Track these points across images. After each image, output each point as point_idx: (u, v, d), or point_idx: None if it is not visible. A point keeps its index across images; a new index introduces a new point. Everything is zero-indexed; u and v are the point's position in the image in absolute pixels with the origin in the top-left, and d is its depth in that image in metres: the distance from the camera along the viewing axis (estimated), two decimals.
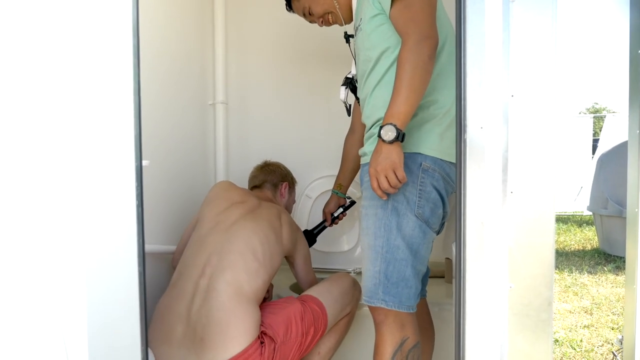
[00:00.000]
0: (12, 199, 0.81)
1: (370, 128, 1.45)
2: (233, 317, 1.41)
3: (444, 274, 2.14)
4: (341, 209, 2.00)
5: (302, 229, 1.96)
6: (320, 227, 2.05)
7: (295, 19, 2.48)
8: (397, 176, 1.25)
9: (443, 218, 1.43)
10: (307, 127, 2.51)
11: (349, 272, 2.31)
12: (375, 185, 1.28)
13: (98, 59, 0.85)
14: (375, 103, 1.40)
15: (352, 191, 2.08)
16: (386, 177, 1.25)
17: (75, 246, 0.83)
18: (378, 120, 1.40)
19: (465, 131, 0.85)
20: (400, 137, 1.23)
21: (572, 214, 7.77)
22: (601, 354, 2.54)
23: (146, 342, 0.99)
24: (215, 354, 1.37)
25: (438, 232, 1.44)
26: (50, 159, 0.83)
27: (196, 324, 1.41)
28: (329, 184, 2.33)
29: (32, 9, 0.81)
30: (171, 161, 2.01)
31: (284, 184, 2.00)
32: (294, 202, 2.11)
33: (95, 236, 0.86)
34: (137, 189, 0.96)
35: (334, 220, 2.01)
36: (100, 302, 0.87)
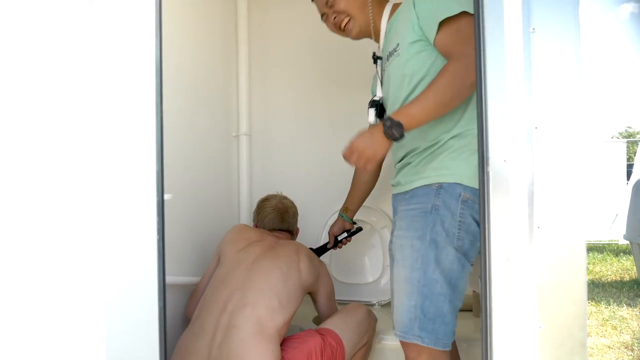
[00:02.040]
0: (33, 231, 0.82)
1: (404, 158, 1.43)
2: (254, 354, 1.39)
3: (471, 307, 2.07)
4: (345, 234, 1.97)
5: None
6: (322, 249, 2.03)
7: (317, 50, 2.52)
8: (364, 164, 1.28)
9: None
10: (331, 159, 2.48)
11: (374, 305, 2.26)
12: (347, 155, 1.31)
13: (121, 95, 0.87)
14: (409, 133, 1.39)
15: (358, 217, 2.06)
16: (359, 161, 1.28)
17: (95, 279, 0.83)
18: (413, 150, 1.39)
19: (488, 164, 0.83)
20: (399, 139, 1.24)
21: (607, 242, 7.50)
22: None
23: None
24: None
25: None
26: (73, 192, 0.84)
27: None
28: (358, 215, 2.31)
29: (59, 53, 0.83)
30: (195, 192, 2.02)
31: (297, 229, 2.03)
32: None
33: (116, 270, 0.86)
34: (158, 223, 0.96)
35: (337, 243, 1.99)
36: (119, 337, 0.86)
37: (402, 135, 1.23)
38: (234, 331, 1.43)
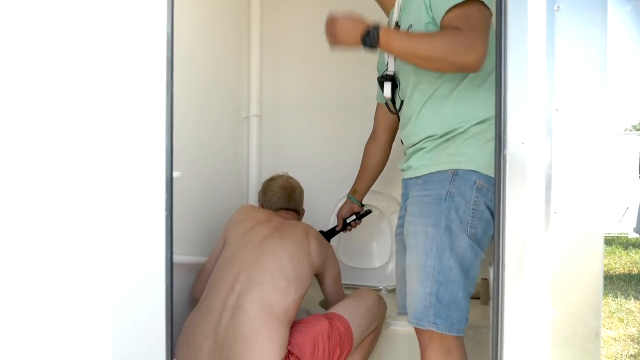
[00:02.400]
0: (41, 206, 0.82)
1: (417, 143, 1.40)
2: (260, 335, 1.39)
3: (479, 295, 2.06)
4: (354, 217, 1.95)
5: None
6: (331, 232, 2.01)
7: None
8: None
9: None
10: (340, 142, 2.48)
11: (380, 290, 2.25)
12: (328, 22, 1.31)
13: (131, 72, 0.85)
14: (424, 119, 1.37)
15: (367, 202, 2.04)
16: (331, 36, 1.31)
17: (102, 254, 0.82)
18: (428, 137, 1.36)
19: (505, 147, 0.80)
20: (366, 48, 1.26)
21: (617, 235, 7.44)
22: None
23: (171, 352, 0.97)
24: None
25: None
26: (82, 166, 0.83)
27: (223, 341, 1.40)
28: (367, 200, 2.30)
29: (66, 20, 0.82)
30: (204, 172, 2.02)
31: (303, 209, 2.01)
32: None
33: (124, 246, 0.85)
34: (167, 200, 0.95)
35: (346, 226, 1.96)
36: (125, 313, 0.86)
37: (371, 47, 1.25)
38: (241, 312, 1.42)
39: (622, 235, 7.33)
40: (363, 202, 1.97)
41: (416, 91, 1.39)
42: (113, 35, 0.82)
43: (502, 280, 0.83)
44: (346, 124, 2.47)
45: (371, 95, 1.83)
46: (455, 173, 1.30)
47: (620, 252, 6.10)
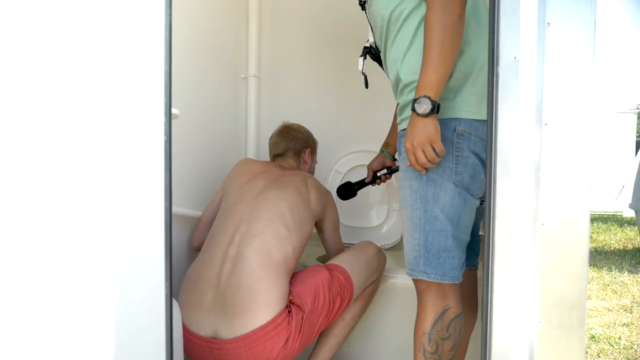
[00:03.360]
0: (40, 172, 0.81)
1: (402, 96, 1.38)
2: (262, 285, 1.39)
3: None
4: (385, 170, 1.90)
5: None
6: (360, 183, 1.98)
7: None
8: (435, 149, 1.20)
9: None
10: (339, 102, 2.48)
11: None
12: (413, 160, 1.23)
13: (130, 30, 0.84)
14: (402, 71, 1.34)
15: None
16: (423, 152, 1.21)
17: (102, 203, 0.83)
18: (407, 86, 1.34)
19: (498, 63, 0.80)
20: (435, 109, 1.18)
21: (612, 213, 7.51)
22: None
23: (170, 298, 0.98)
24: (244, 322, 1.35)
25: (482, 202, 1.37)
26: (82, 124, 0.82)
27: (226, 291, 1.40)
28: (359, 160, 2.28)
29: None
30: (204, 132, 2.01)
31: (307, 150, 1.94)
32: (316, 163, 2.05)
33: (123, 192, 0.86)
34: (165, 143, 0.95)
35: (375, 179, 1.92)
36: (125, 265, 0.87)
37: (434, 106, 1.18)
38: (243, 262, 1.42)
39: (618, 214, 7.41)
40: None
41: (395, 41, 1.37)
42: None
43: (494, 197, 0.83)
44: (345, 84, 2.46)
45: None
46: None
47: (615, 230, 6.17)
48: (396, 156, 1.86)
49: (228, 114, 2.30)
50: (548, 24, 0.79)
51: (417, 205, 1.29)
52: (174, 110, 1.05)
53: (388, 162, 1.90)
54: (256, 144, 2.46)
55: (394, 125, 1.83)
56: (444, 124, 1.27)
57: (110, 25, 0.81)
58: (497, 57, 0.80)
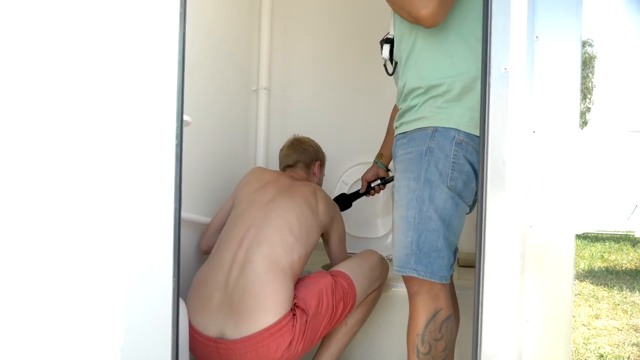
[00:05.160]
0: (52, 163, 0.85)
1: (406, 101, 1.44)
2: (268, 289, 1.43)
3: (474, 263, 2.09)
4: (379, 181, 1.95)
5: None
6: (355, 194, 2.03)
7: (340, 6, 2.53)
8: None
9: (476, 194, 1.40)
10: (347, 115, 2.53)
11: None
12: None
13: (146, 39, 0.89)
14: (409, 74, 1.42)
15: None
16: None
17: (115, 203, 0.86)
18: (412, 91, 1.40)
19: (489, 74, 0.85)
20: None
21: (625, 233, 7.42)
22: None
23: (178, 297, 1.01)
24: (250, 323, 1.39)
25: (471, 209, 1.43)
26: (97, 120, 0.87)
27: (233, 293, 1.44)
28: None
29: None
30: (215, 142, 2.07)
31: (316, 163, 1.99)
32: (324, 176, 2.10)
33: (133, 197, 0.89)
34: (177, 147, 1.00)
35: (369, 190, 1.98)
36: (135, 265, 0.89)
37: None
38: (250, 266, 1.47)
39: (630, 233, 7.31)
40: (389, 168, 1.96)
41: (401, 49, 1.45)
42: (127, 8, 0.85)
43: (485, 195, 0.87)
44: (354, 96, 2.51)
45: (379, 68, 1.86)
46: (435, 130, 1.34)
47: (628, 249, 6.09)
48: (390, 166, 1.91)
49: (239, 124, 2.37)
50: (537, 37, 0.84)
51: (413, 204, 1.34)
52: (185, 117, 1.10)
53: (381, 173, 1.96)
54: (265, 154, 2.52)
55: (388, 135, 1.88)
56: (445, 132, 1.33)
57: (128, 35, 0.86)
58: (489, 68, 0.85)
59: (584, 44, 24.51)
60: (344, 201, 2.05)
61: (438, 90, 1.36)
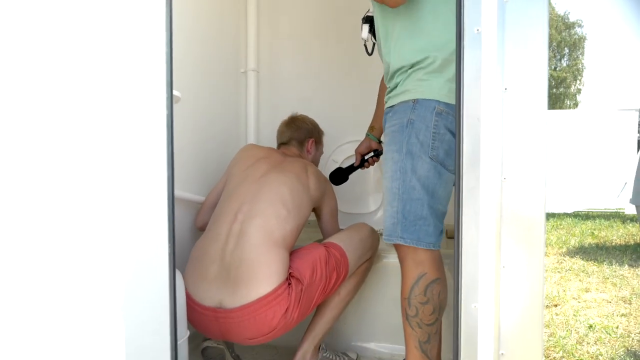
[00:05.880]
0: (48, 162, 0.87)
1: (393, 77, 1.48)
2: (263, 259, 1.48)
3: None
4: (372, 154, 1.99)
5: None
6: (350, 168, 2.07)
7: None
8: None
9: None
10: (334, 94, 2.57)
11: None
12: None
13: (135, 21, 0.91)
14: (393, 54, 1.47)
15: None
16: None
17: (109, 179, 0.88)
18: (399, 70, 1.44)
19: (463, 36, 0.89)
20: None
21: (615, 210, 7.52)
22: (638, 341, 2.46)
23: (174, 282, 1.05)
24: (247, 292, 1.44)
25: None
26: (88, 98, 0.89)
27: (230, 265, 1.49)
28: (355, 149, 2.36)
29: None
30: (205, 124, 2.10)
31: (310, 140, 2.04)
32: (321, 154, 2.14)
33: (128, 174, 0.91)
34: (167, 117, 1.03)
35: (364, 162, 2.01)
36: (132, 243, 0.91)
37: None
38: (245, 238, 1.52)
39: (620, 211, 7.42)
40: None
41: (381, 30, 1.50)
42: None
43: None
44: (341, 75, 2.55)
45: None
46: (416, 102, 1.39)
47: (617, 226, 6.18)
48: (382, 138, 1.95)
49: (229, 106, 2.40)
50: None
51: (397, 175, 1.39)
52: (175, 93, 1.13)
53: (374, 145, 1.99)
54: (256, 134, 2.56)
55: (378, 108, 1.92)
56: (425, 103, 1.37)
57: (118, 17, 0.88)
58: (463, 30, 0.89)
59: (573, 24, 24.61)
60: (341, 175, 2.09)
61: (420, 64, 1.40)
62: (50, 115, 0.84)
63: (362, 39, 1.59)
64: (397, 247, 1.43)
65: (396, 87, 1.47)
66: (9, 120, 0.82)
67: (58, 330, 0.85)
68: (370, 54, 1.63)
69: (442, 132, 1.37)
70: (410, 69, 1.42)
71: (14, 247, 0.82)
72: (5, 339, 0.82)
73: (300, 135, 2.02)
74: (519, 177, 0.89)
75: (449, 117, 1.37)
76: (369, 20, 1.57)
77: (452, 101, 1.35)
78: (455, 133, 1.33)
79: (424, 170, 1.36)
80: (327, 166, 2.42)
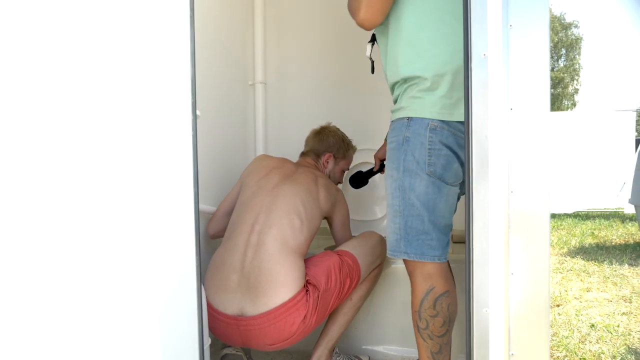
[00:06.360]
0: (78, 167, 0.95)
1: (393, 90, 1.53)
2: (282, 267, 1.55)
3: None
4: None
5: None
6: (369, 172, 2.11)
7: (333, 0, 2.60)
8: None
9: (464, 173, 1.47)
10: (341, 105, 2.63)
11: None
12: None
13: (164, 45, 0.98)
14: (388, 69, 1.52)
15: None
16: None
17: (144, 187, 0.93)
18: (395, 84, 1.49)
19: (471, 60, 0.96)
20: None
21: (614, 210, 7.58)
22: (639, 338, 2.52)
23: (200, 282, 1.10)
24: (267, 300, 1.51)
25: (462, 188, 1.49)
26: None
27: (249, 274, 1.55)
28: (363, 157, 2.42)
29: None
30: (214, 136, 2.16)
31: (327, 154, 2.07)
32: (342, 170, 2.16)
33: (159, 184, 0.97)
34: (193, 137, 1.10)
35: (382, 167, 2.03)
36: (159, 251, 0.96)
37: None
38: (263, 248, 1.59)
39: (620, 210, 7.49)
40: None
41: (380, 48, 1.55)
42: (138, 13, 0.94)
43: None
44: (348, 87, 2.61)
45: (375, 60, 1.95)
46: (410, 119, 1.42)
47: (617, 226, 6.24)
48: None
49: (237, 118, 2.47)
50: (510, 25, 0.96)
51: (397, 193, 1.43)
52: (197, 112, 1.21)
53: None
54: (264, 145, 2.62)
55: None
56: (419, 121, 1.40)
57: (149, 42, 0.95)
58: (470, 55, 0.96)
59: (569, 25, 24.74)
60: (360, 179, 2.14)
61: (413, 80, 1.43)
62: (93, 138, 0.90)
63: (367, 57, 1.65)
64: (405, 261, 1.47)
65: (396, 101, 1.51)
66: (48, 144, 0.87)
67: (106, 337, 0.90)
68: (373, 73, 1.69)
69: (437, 148, 1.39)
70: (404, 83, 1.45)
71: (60, 268, 0.88)
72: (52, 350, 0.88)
73: (320, 147, 2.07)
74: (525, 189, 0.96)
75: (444, 132, 1.39)
76: (373, 39, 1.62)
77: (446, 117, 1.38)
78: (456, 150, 1.39)
79: (423, 187, 1.39)
80: None
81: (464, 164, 1.39)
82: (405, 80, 1.45)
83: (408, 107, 1.43)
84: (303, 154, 2.09)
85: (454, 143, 1.40)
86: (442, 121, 1.39)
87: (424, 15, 1.41)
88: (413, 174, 1.39)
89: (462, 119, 1.35)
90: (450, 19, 1.37)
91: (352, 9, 1.43)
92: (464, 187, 1.50)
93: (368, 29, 1.47)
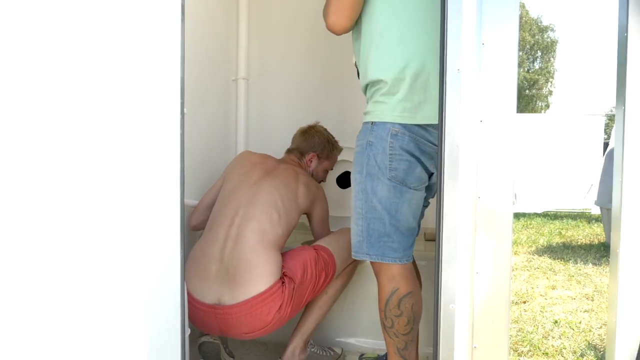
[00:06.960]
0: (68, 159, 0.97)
1: (366, 93, 1.56)
2: (260, 259, 1.61)
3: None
4: None
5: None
6: None
7: None
8: None
9: (430, 177, 1.51)
10: (323, 102, 2.66)
11: None
12: None
13: (155, 47, 1.00)
14: (361, 72, 1.55)
15: None
16: None
17: (133, 185, 0.96)
18: (365, 87, 1.53)
19: (446, 74, 1.03)
20: None
21: (581, 211, 7.84)
22: (598, 335, 2.64)
23: (183, 271, 1.14)
24: (245, 290, 1.57)
25: (427, 191, 1.54)
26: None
27: (228, 265, 1.61)
28: (344, 155, 2.47)
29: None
30: (196, 131, 2.18)
31: (311, 154, 2.11)
32: (325, 170, 2.20)
33: (147, 179, 0.99)
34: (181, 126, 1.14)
35: None
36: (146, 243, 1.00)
37: None
38: (243, 240, 1.64)
39: (587, 211, 7.74)
40: None
41: (356, 51, 1.59)
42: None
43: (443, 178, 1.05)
44: (330, 84, 2.64)
45: (352, 55, 1.99)
46: (374, 124, 1.45)
47: (583, 226, 6.46)
48: None
49: (219, 113, 2.49)
50: (483, 43, 1.03)
51: (360, 196, 1.47)
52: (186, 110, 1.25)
53: None
54: (245, 141, 2.65)
55: None
56: (382, 126, 1.44)
57: (140, 41, 0.98)
58: (445, 69, 1.03)
59: (546, 28, 25.24)
60: (348, 179, 2.21)
61: (377, 85, 1.46)
62: (86, 133, 0.92)
63: (354, 64, 1.68)
64: (371, 263, 1.50)
65: (367, 104, 1.54)
66: (41, 136, 0.89)
67: (92, 327, 0.93)
68: (359, 78, 1.74)
69: (398, 153, 1.41)
70: (372, 87, 1.48)
71: (46, 261, 0.90)
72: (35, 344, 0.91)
73: (305, 146, 2.11)
74: (491, 196, 1.04)
75: (405, 138, 1.41)
76: None
77: (407, 121, 1.42)
78: (417, 155, 1.43)
79: (384, 191, 1.42)
80: None
81: (427, 169, 1.47)
82: (372, 83, 1.48)
83: (372, 111, 1.47)
84: (288, 151, 2.14)
85: (415, 148, 1.43)
86: (404, 126, 1.41)
87: (390, 18, 1.44)
88: (375, 178, 1.43)
89: (424, 122, 1.41)
90: (416, 21, 1.41)
91: (323, 15, 1.48)
92: (432, 191, 1.57)
93: (338, 34, 1.50)
